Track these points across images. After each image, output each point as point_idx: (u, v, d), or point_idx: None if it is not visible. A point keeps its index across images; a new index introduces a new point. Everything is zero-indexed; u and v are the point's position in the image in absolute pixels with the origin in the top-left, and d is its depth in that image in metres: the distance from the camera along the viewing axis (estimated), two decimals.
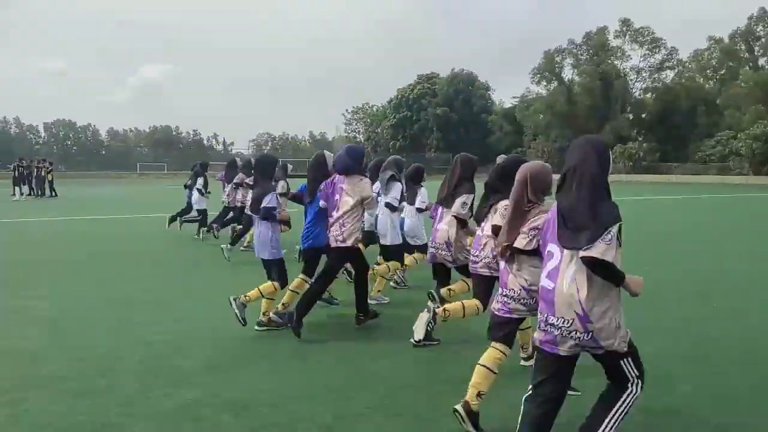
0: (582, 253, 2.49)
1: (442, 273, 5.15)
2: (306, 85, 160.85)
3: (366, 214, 5.80)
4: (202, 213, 11.44)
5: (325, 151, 5.92)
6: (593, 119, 64.59)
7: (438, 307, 4.43)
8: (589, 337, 2.54)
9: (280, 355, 4.47)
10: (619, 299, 2.58)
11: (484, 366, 3.29)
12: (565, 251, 2.60)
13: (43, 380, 3.79)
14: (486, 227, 4.11)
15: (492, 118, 78.05)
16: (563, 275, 2.59)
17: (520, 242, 3.20)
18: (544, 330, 2.66)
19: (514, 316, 3.34)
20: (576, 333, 2.55)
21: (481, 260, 4.17)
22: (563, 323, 2.58)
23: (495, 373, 3.28)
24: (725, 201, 17.71)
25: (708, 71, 63.27)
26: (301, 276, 5.41)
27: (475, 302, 4.27)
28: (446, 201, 5.01)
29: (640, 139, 59.81)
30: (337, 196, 5.10)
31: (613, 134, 61.00)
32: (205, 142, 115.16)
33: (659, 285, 6.82)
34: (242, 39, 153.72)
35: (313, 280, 5.26)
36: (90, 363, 4.12)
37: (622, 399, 2.66)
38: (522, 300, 3.28)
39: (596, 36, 65.70)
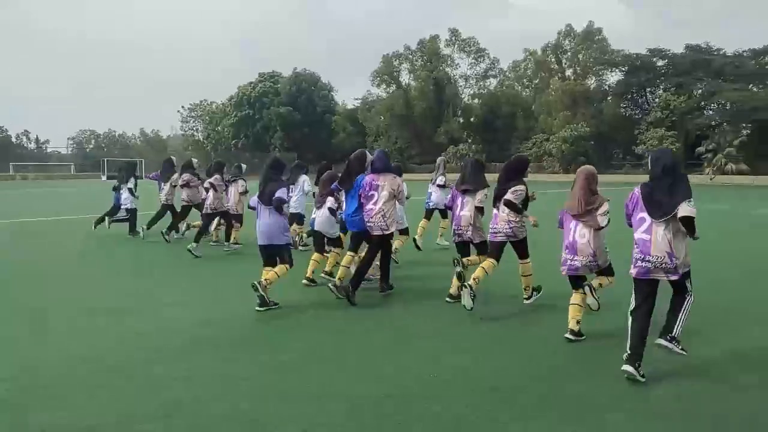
0: (681, 213, 4.13)
1: (463, 248, 6.69)
2: (136, 80, 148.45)
3: (398, 204, 7.02)
4: (132, 212, 12.38)
5: (366, 150, 7.43)
6: (429, 122, 68.41)
7: (466, 283, 5.85)
8: (674, 266, 4.21)
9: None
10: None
11: (577, 304, 5.19)
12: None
13: None
14: (501, 207, 6.05)
15: (336, 119, 78.92)
16: (656, 230, 4.22)
17: (601, 222, 5.05)
18: (640, 266, 4.30)
19: (581, 272, 5.21)
20: (665, 265, 4.20)
21: (499, 231, 6.06)
22: (657, 259, 4.20)
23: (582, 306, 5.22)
24: (541, 196, 19.78)
25: (524, 80, 70.40)
26: (350, 253, 7.01)
27: (492, 261, 6.06)
28: (469, 192, 6.56)
29: (469, 140, 64.58)
30: (374, 192, 6.49)
31: (446, 136, 65.24)
32: (13, 139, 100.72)
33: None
34: (61, 26, 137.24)
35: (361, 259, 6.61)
36: None
37: (685, 304, 4.39)
38: (589, 262, 5.15)
39: (429, 43, 69.60)
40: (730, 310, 6.29)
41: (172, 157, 12.68)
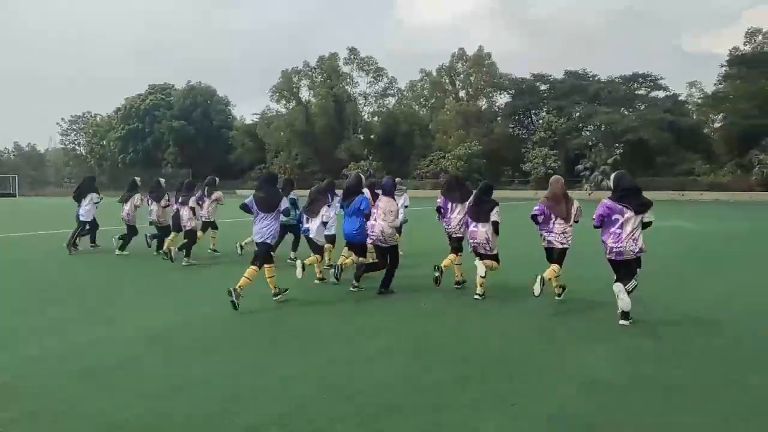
0: (646, 218, 6.24)
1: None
2: (6, 90, 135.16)
3: (399, 219, 8.71)
4: (91, 224, 12.76)
5: (360, 173, 9.15)
6: (330, 138, 68.67)
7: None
8: (638, 251, 6.20)
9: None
10: None
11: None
12: (629, 214, 6.19)
13: None
14: (483, 225, 7.56)
15: (233, 134, 76.87)
16: (626, 227, 6.19)
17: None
18: (615, 252, 6.26)
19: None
20: (632, 251, 6.19)
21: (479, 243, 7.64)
22: (628, 246, 6.18)
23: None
24: None
25: (422, 99, 72.92)
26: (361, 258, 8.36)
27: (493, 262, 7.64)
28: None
29: (370, 157, 65.57)
30: (377, 210, 7.83)
31: (347, 153, 65.79)
32: None
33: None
34: None
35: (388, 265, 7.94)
36: None
37: (633, 284, 6.20)
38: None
39: (328, 61, 70.13)
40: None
41: (136, 179, 12.85)
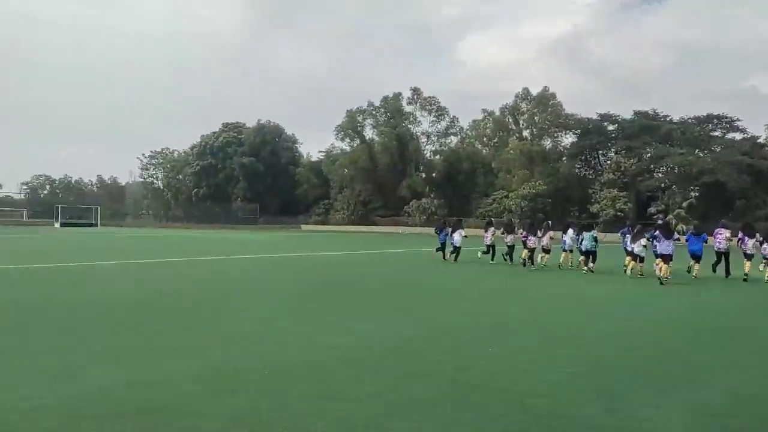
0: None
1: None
2: (94, 127, 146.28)
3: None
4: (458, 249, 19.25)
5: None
6: (392, 176, 69.68)
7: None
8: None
9: None
10: None
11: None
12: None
13: None
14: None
15: (299, 171, 79.43)
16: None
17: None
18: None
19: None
20: None
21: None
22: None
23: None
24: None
25: (484, 138, 72.95)
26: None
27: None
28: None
29: (432, 195, 65.85)
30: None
31: (409, 190, 66.42)
32: None
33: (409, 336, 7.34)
34: (13, 71, 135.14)
35: None
36: None
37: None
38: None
39: (392, 101, 71.76)
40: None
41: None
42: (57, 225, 62.86)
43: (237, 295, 10.57)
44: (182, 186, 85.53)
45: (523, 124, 67.39)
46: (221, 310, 8.69)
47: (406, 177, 69.00)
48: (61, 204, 74.89)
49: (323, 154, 78.09)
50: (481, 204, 61.81)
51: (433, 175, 71.35)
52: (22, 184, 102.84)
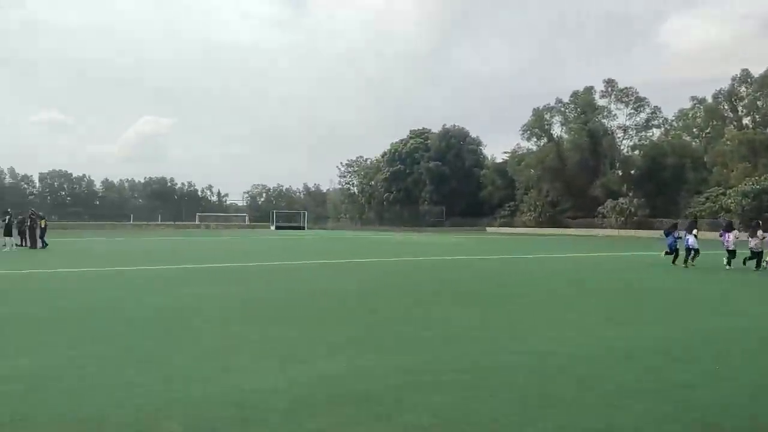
0: None
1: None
2: (301, 139, 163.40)
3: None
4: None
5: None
6: (583, 175, 65.73)
7: None
8: None
9: None
10: None
11: None
12: None
13: None
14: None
15: (484, 173, 79.24)
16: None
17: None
18: None
19: None
20: None
21: None
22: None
23: None
24: (720, 256, 18.07)
25: (694, 129, 64.95)
26: None
27: None
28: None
29: (630, 194, 60.65)
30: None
31: (603, 189, 62.00)
32: (199, 193, 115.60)
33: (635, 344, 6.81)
34: (238, 93, 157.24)
35: None
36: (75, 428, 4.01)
37: None
38: None
39: (583, 95, 67.72)
40: None
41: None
42: (272, 228, 71.53)
43: (458, 296, 10.99)
44: (374, 191, 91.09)
45: (742, 111, 58.64)
46: (433, 307, 9.13)
47: (599, 175, 64.60)
48: (275, 209, 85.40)
49: (508, 155, 76.91)
50: (691, 203, 55.12)
51: (632, 172, 65.67)
52: (244, 192, 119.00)
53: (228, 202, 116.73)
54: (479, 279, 14.50)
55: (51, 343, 6.51)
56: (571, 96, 68.88)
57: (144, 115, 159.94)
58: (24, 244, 25.13)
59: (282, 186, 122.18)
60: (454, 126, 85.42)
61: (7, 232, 24.28)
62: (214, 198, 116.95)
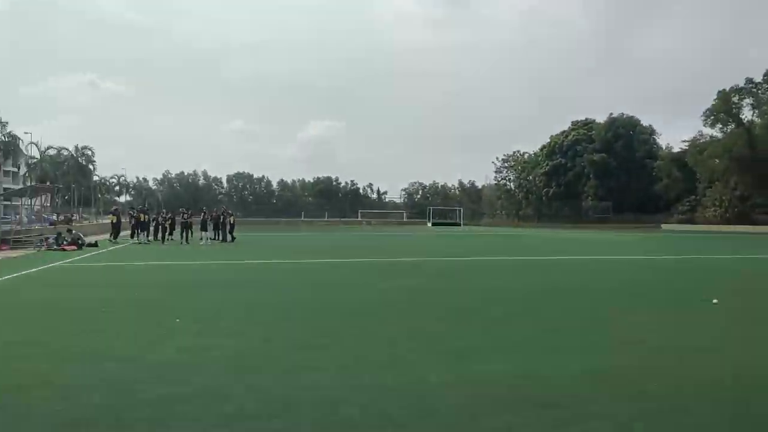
0: None
1: None
2: (457, 135, 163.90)
3: None
4: None
5: None
6: None
7: None
8: None
9: None
10: None
11: None
12: None
13: (229, 418, 4.26)
14: None
15: (658, 164, 72.31)
16: None
17: None
18: None
19: None
20: None
21: None
22: None
23: None
24: None
25: None
26: None
27: None
28: None
29: None
30: None
31: None
32: (361, 191, 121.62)
33: None
34: (396, 94, 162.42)
35: None
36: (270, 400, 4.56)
37: None
38: None
39: None
40: None
41: None
42: (429, 224, 72.83)
43: (653, 300, 10.42)
44: (532, 186, 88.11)
45: None
46: (612, 311, 8.74)
47: None
48: (431, 206, 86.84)
49: (687, 144, 69.29)
50: None
51: None
52: (402, 189, 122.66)
53: (387, 200, 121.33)
54: (670, 281, 13.36)
55: (248, 330, 7.42)
56: (765, 75, 59.95)
57: (314, 120, 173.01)
58: (217, 238, 28.66)
59: (437, 183, 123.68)
60: (622, 115, 79.28)
61: (204, 227, 27.96)
62: (374, 196, 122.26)
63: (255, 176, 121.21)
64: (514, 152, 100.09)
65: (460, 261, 18.97)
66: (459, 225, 72.82)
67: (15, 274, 13.50)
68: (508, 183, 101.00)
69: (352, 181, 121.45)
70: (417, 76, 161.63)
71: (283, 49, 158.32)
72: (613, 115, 79.33)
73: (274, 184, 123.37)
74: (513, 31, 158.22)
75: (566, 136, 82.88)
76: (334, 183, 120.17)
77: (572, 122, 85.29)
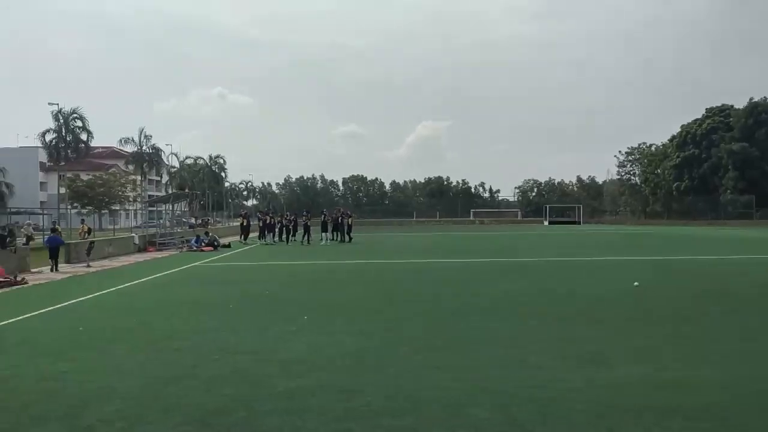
0: None
1: None
2: (573, 129, 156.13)
3: None
4: None
5: None
6: None
7: None
8: None
9: None
10: None
11: None
12: None
13: (357, 413, 4.39)
14: None
15: None
16: None
17: None
18: None
19: None
20: None
21: None
22: None
23: None
24: None
25: None
26: None
27: None
28: None
29: None
30: None
31: None
32: (472, 190, 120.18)
33: None
34: (503, 91, 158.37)
35: None
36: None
37: None
38: None
39: None
40: None
41: None
42: (545, 223, 70.16)
43: None
44: (660, 180, 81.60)
45: None
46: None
47: None
48: (547, 204, 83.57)
49: None
50: None
51: None
52: (515, 187, 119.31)
53: (500, 198, 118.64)
54: None
55: (369, 328, 7.63)
56: None
57: (423, 121, 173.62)
58: (336, 239, 29.77)
59: (553, 179, 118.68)
60: (764, 99, 70.93)
61: (324, 228, 29.21)
62: (486, 194, 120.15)
63: (368, 178, 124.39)
64: (639, 144, 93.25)
65: (587, 261, 18.08)
66: (578, 223, 69.34)
67: (163, 273, 15.02)
68: (632, 177, 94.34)
69: (463, 180, 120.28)
70: (525, 70, 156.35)
71: (388, 51, 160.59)
72: (754, 100, 71.32)
73: (387, 186, 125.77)
74: (629, 14, 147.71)
75: (700, 125, 75.70)
76: (445, 183, 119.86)
77: (707, 109, 77.79)
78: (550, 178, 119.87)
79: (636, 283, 9.58)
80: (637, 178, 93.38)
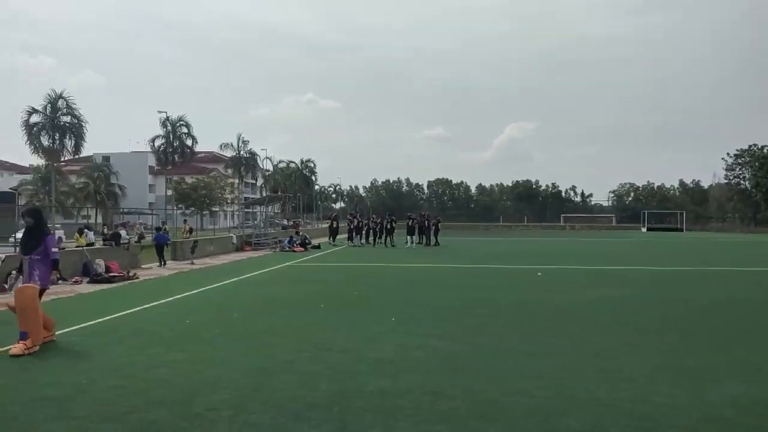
0: None
1: None
2: (675, 130, 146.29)
3: None
4: None
5: None
6: None
7: None
8: None
9: None
10: None
11: None
12: None
13: (445, 415, 4.47)
14: None
15: None
16: None
17: None
18: None
19: None
20: None
21: None
22: None
23: None
24: None
25: None
26: None
27: None
28: None
29: None
30: None
31: None
32: (563, 194, 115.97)
33: None
34: (594, 90, 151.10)
35: None
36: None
37: None
38: None
39: None
40: None
41: None
42: (643, 229, 66.31)
43: None
44: None
45: None
46: None
47: None
48: (646, 209, 78.93)
49: None
50: None
51: None
52: (610, 192, 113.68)
53: (592, 203, 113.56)
54: None
55: (455, 333, 7.66)
56: None
57: (511, 123, 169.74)
58: (422, 242, 29.87)
59: (652, 183, 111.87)
60: None
61: (410, 232, 29.38)
62: (578, 198, 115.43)
63: (454, 181, 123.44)
64: (750, 146, 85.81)
65: (691, 271, 16.99)
66: (680, 230, 64.89)
67: (259, 272, 15.86)
68: (742, 182, 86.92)
69: (552, 183, 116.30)
70: (617, 68, 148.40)
71: (475, 54, 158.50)
72: None
73: (473, 189, 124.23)
74: (725, 11, 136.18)
75: None
76: (534, 186, 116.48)
77: None
78: (648, 181, 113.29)
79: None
80: (747, 183, 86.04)
